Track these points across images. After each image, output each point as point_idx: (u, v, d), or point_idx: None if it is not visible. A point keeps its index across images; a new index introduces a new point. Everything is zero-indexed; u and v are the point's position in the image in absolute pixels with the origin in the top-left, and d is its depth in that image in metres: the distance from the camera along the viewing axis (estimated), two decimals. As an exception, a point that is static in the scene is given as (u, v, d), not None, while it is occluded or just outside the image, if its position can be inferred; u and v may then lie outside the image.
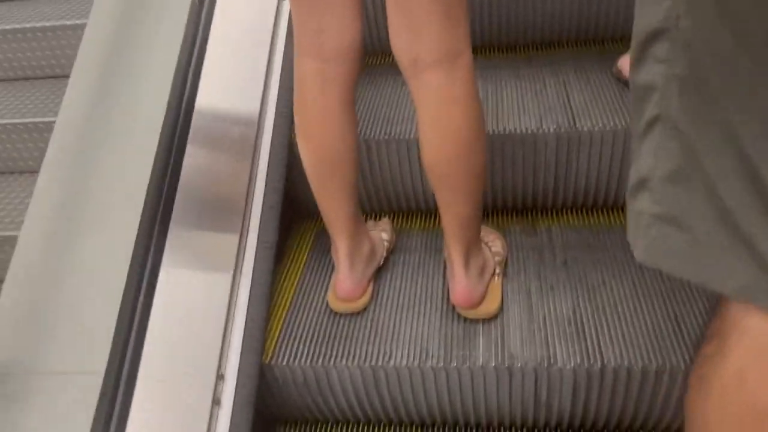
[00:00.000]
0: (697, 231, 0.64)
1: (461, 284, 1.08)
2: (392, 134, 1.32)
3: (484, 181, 1.02)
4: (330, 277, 1.27)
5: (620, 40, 1.58)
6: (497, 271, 1.17)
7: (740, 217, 0.61)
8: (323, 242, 1.37)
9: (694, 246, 0.64)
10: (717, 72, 0.60)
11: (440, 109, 0.94)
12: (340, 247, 1.14)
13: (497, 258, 1.18)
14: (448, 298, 1.18)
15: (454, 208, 1.02)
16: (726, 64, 0.59)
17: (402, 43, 0.93)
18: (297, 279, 1.28)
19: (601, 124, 1.25)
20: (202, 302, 1.08)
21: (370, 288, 1.20)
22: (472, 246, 1.08)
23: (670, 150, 0.64)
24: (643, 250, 0.68)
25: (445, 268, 1.25)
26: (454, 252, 1.07)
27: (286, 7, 1.46)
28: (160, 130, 1.14)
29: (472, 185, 0.99)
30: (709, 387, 0.68)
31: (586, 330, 1.09)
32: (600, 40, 1.59)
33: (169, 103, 1.18)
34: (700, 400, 0.70)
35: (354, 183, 1.10)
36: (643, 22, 0.65)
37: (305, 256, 1.34)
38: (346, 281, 1.15)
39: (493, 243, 1.21)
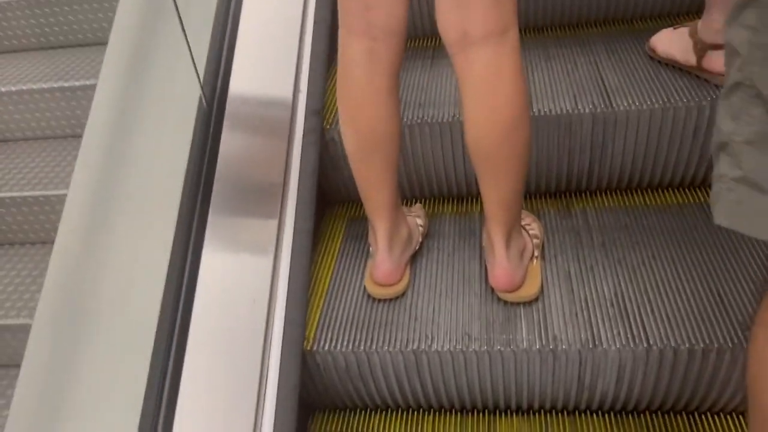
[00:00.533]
0: None
1: (502, 267, 1.08)
2: (424, 118, 1.31)
3: (527, 162, 1.01)
4: (365, 264, 1.26)
5: (650, 19, 1.56)
6: (536, 253, 1.16)
7: None
8: (356, 228, 1.37)
9: None
10: None
11: (487, 85, 0.93)
12: (379, 231, 1.13)
13: (536, 241, 1.17)
14: (486, 282, 1.18)
15: (496, 189, 1.01)
16: None
17: (450, 19, 0.93)
18: (332, 265, 1.28)
19: (637, 103, 1.23)
20: (244, 291, 1.08)
21: (408, 273, 1.20)
22: (513, 229, 1.07)
23: (752, 116, 0.64)
24: (722, 213, 0.69)
25: (481, 251, 1.24)
26: (494, 235, 1.06)
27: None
28: (194, 119, 1.14)
29: (515, 165, 0.98)
30: None
31: (629, 311, 1.08)
32: (629, 19, 1.57)
33: (202, 91, 1.17)
34: None
35: (395, 165, 1.10)
36: None
37: (339, 243, 1.34)
38: (384, 264, 1.14)
39: (530, 226, 1.20)
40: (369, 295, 1.19)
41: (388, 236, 1.13)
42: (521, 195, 1.06)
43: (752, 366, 0.72)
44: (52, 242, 1.07)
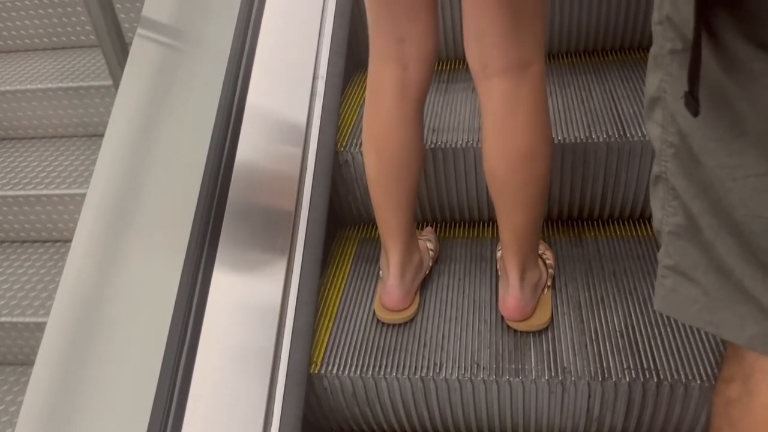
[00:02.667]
0: (705, 284, 0.66)
1: (515, 298, 1.07)
2: (438, 143, 1.31)
3: (545, 193, 1.01)
4: (374, 287, 1.26)
5: (666, 48, 1.55)
6: (548, 283, 1.16)
7: (740, 274, 0.63)
8: (366, 251, 1.37)
9: (705, 298, 0.67)
10: (700, 144, 0.63)
11: (505, 116, 0.94)
12: (392, 256, 1.13)
13: (550, 270, 1.17)
14: (496, 309, 1.17)
15: (513, 218, 1.01)
16: (706, 138, 0.62)
17: (472, 49, 0.95)
18: (342, 288, 1.28)
19: (652, 134, 1.23)
20: (253, 314, 1.09)
21: (417, 298, 1.20)
22: (529, 259, 1.07)
23: (673, 207, 0.68)
24: (659, 299, 0.72)
25: (491, 277, 1.24)
26: (510, 264, 1.06)
27: (330, 10, 1.46)
28: (209, 141, 1.15)
29: (531, 196, 0.98)
30: (742, 427, 0.70)
31: (639, 343, 1.07)
32: (646, 47, 1.57)
33: (218, 113, 1.18)
34: None
35: (415, 191, 1.10)
36: (647, 87, 0.70)
37: (349, 266, 1.34)
38: (395, 291, 1.14)
39: (546, 255, 1.19)
40: (378, 320, 1.18)
41: (401, 262, 1.13)
42: (538, 226, 1.06)
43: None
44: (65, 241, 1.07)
